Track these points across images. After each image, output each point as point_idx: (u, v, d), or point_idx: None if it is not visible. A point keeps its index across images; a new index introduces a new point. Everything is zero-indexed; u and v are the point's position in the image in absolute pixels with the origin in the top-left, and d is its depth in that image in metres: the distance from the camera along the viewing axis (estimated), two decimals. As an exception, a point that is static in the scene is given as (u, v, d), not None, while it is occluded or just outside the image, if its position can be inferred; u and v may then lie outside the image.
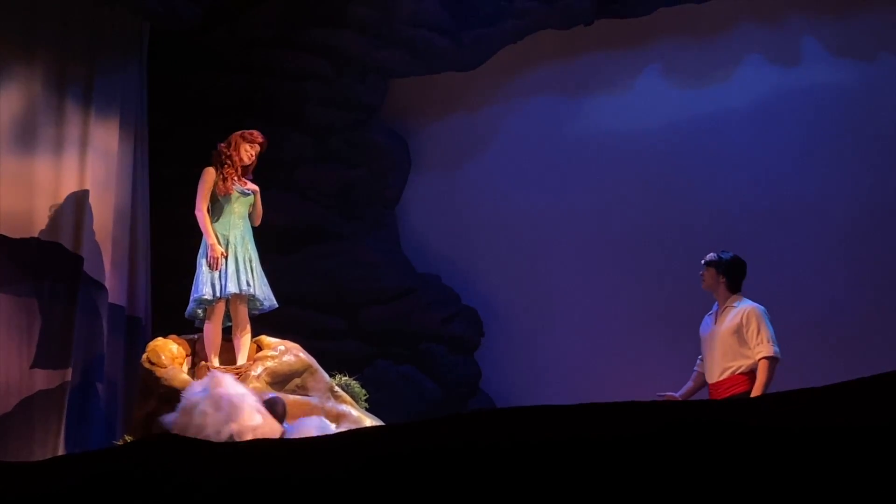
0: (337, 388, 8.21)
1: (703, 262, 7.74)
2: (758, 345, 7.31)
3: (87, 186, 9.07)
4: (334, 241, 10.55)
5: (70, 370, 8.66)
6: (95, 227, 9.06)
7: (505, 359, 10.56)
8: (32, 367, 8.65)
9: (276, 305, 8.33)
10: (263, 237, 8.55)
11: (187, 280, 8.33)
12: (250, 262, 8.16)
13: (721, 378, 7.41)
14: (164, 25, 9.65)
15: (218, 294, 7.98)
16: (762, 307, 7.47)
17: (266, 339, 8.43)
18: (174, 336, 8.36)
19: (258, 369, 8.07)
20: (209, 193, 8.17)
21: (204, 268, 8.05)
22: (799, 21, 10.21)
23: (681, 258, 10.20)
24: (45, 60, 8.99)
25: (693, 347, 9.97)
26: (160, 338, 8.40)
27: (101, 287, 8.98)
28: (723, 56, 10.33)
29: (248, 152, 8.27)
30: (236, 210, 8.21)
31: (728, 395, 7.31)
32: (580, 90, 10.66)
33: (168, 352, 8.16)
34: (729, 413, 2.49)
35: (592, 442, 2.55)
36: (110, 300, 9.03)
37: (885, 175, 9.82)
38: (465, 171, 10.86)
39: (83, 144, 9.11)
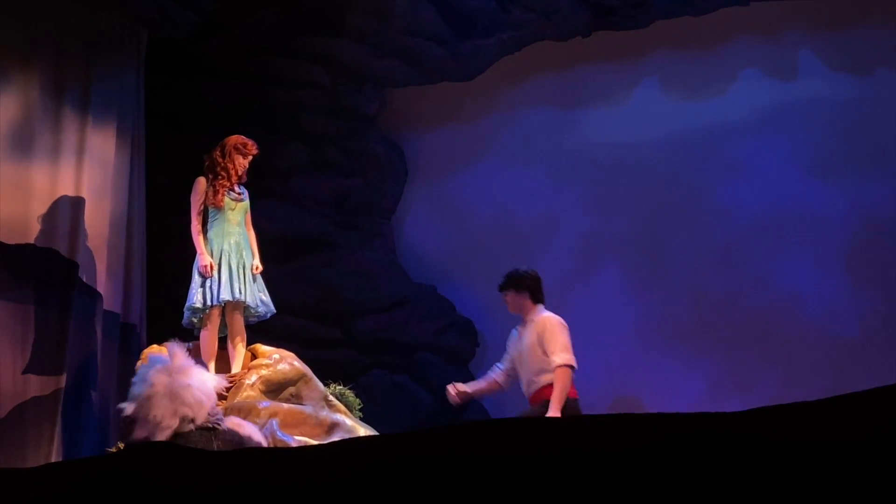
0: (331, 397, 8.19)
1: (498, 289, 7.80)
2: (553, 353, 7.39)
3: (84, 193, 9.06)
4: (329, 250, 10.55)
5: (64, 376, 8.64)
6: (91, 233, 9.05)
7: (499, 369, 10.55)
8: (26, 372, 8.63)
9: (274, 311, 8.37)
10: (258, 246, 8.55)
11: (182, 288, 8.34)
12: (243, 269, 8.18)
13: (533, 393, 7.52)
14: (162, 33, 9.65)
15: (209, 302, 8.05)
16: (559, 318, 7.58)
17: (261, 348, 8.43)
18: (169, 343, 8.35)
19: (252, 377, 8.06)
20: (201, 204, 8.25)
21: (196, 277, 8.13)
22: (796, 35, 10.23)
23: (678, 269, 10.22)
24: (42, 67, 8.98)
25: (694, 357, 10.00)
26: (154, 345, 8.39)
27: (96, 293, 8.97)
28: (720, 69, 10.35)
29: (241, 163, 8.32)
30: (230, 218, 8.24)
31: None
32: (577, 101, 10.67)
33: (162, 359, 8.15)
34: (726, 427, 2.49)
35: (586, 455, 2.55)
36: (105, 307, 9.02)
37: (883, 188, 9.83)
38: (461, 181, 10.87)
39: (80, 151, 9.10)
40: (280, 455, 3.38)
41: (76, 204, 9.02)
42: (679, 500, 2.32)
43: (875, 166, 9.86)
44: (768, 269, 9.97)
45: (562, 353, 7.41)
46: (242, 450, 4.42)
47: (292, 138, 10.48)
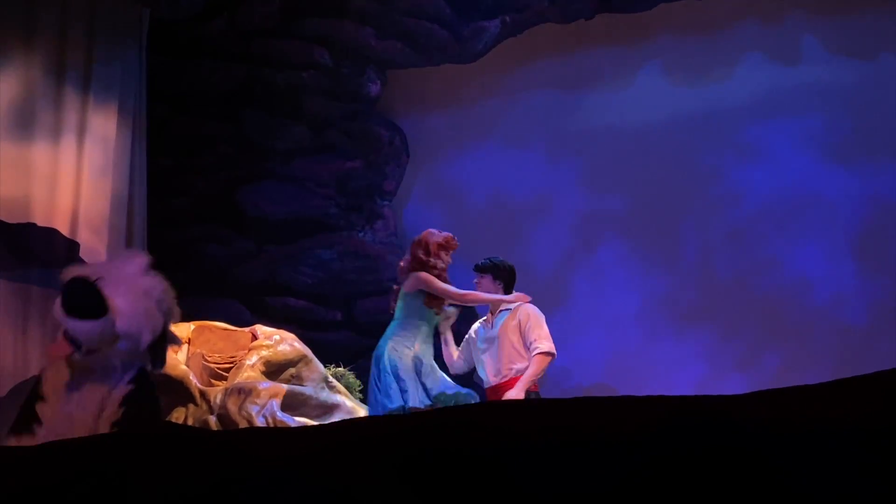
0: (332, 379, 8.20)
1: (475, 268, 7.87)
2: (536, 340, 7.44)
3: (85, 173, 9.06)
4: (331, 232, 10.54)
5: (64, 356, 8.65)
6: (92, 213, 9.05)
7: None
8: (26, 352, 8.64)
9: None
10: (260, 228, 8.54)
11: (183, 268, 8.32)
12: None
13: (504, 380, 7.51)
14: (164, 13, 9.63)
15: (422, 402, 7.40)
16: (537, 309, 7.64)
17: (262, 329, 8.43)
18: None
19: (253, 358, 8.07)
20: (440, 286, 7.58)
21: (407, 377, 7.45)
22: (799, 19, 10.20)
23: (684, 251, 10.20)
24: (44, 46, 8.98)
25: (698, 338, 9.99)
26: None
27: (98, 274, 8.97)
28: (723, 53, 10.32)
29: (447, 260, 7.79)
30: (429, 321, 7.78)
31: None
32: (580, 84, 10.65)
33: (163, 340, 8.14)
34: (727, 409, 2.49)
35: (587, 437, 2.54)
36: (106, 287, 9.01)
37: (886, 172, 9.80)
38: (463, 164, 10.86)
39: (81, 131, 9.10)
40: (280, 436, 3.38)
41: (77, 184, 9.02)
42: (679, 483, 2.32)
43: (885, 151, 9.82)
44: (776, 252, 9.95)
45: (547, 341, 7.47)
46: (242, 430, 4.40)
47: (294, 120, 10.47)
